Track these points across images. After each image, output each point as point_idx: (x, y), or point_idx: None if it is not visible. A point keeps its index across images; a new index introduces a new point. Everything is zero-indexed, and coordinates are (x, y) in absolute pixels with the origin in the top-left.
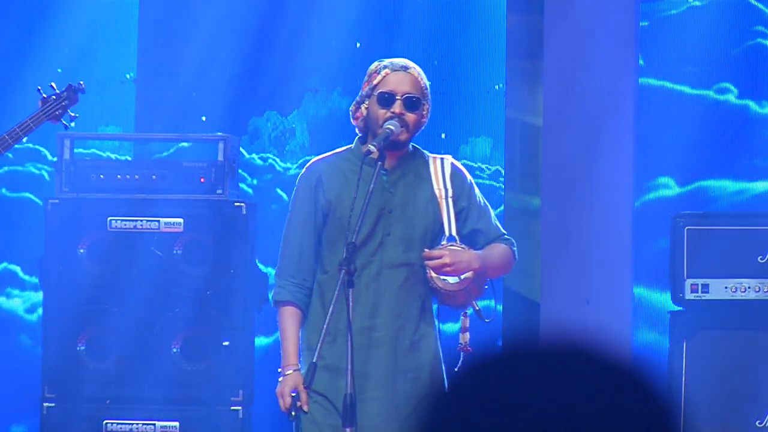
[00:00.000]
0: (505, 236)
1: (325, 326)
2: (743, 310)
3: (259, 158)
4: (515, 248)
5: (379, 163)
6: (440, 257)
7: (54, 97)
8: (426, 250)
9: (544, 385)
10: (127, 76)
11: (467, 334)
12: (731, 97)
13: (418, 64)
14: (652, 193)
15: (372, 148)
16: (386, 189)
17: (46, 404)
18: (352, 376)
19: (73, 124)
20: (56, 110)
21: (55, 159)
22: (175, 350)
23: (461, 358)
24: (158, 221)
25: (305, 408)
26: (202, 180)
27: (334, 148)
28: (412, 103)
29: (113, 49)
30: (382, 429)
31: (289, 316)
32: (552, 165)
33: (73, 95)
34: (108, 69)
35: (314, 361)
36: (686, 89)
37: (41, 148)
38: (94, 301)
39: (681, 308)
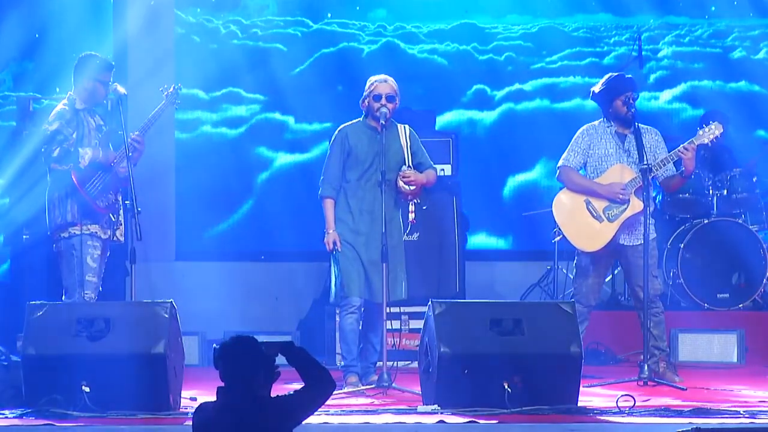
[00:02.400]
0: (433, 165)
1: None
2: None
3: None
4: (442, 170)
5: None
6: (408, 175)
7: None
8: (401, 170)
9: None
10: None
11: (413, 215)
12: None
13: None
14: None
15: (381, 122)
16: (378, 141)
17: None
18: (385, 234)
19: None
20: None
21: None
22: None
23: (409, 228)
24: None
25: (339, 248)
26: None
27: None
28: (390, 98)
29: None
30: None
31: (330, 204)
32: None
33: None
34: None
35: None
36: None
37: None
38: None
39: None
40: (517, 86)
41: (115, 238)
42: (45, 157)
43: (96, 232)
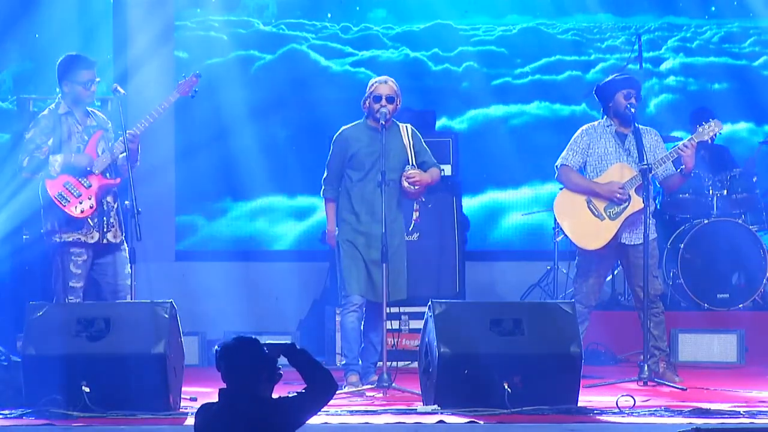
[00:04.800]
0: (436, 163)
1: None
2: None
3: None
4: (442, 170)
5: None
6: (413, 175)
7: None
8: (405, 170)
9: None
10: None
11: (417, 213)
12: None
13: None
14: None
15: (381, 123)
16: (379, 142)
17: None
18: (386, 234)
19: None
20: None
21: None
22: None
23: (413, 226)
24: None
25: (332, 244)
26: None
27: None
28: (390, 99)
29: None
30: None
31: (331, 206)
32: None
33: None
34: None
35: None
36: None
37: None
38: None
39: None
40: (443, 122)
41: (105, 241)
42: (18, 166)
43: (79, 239)
